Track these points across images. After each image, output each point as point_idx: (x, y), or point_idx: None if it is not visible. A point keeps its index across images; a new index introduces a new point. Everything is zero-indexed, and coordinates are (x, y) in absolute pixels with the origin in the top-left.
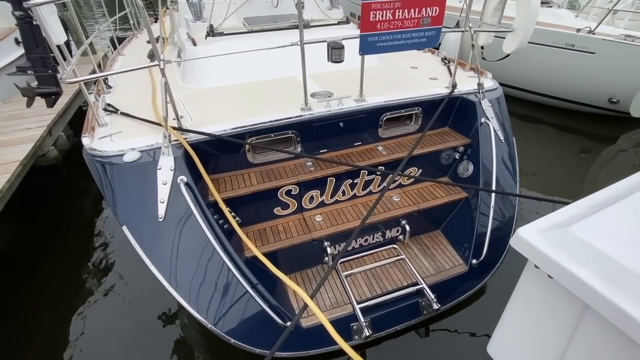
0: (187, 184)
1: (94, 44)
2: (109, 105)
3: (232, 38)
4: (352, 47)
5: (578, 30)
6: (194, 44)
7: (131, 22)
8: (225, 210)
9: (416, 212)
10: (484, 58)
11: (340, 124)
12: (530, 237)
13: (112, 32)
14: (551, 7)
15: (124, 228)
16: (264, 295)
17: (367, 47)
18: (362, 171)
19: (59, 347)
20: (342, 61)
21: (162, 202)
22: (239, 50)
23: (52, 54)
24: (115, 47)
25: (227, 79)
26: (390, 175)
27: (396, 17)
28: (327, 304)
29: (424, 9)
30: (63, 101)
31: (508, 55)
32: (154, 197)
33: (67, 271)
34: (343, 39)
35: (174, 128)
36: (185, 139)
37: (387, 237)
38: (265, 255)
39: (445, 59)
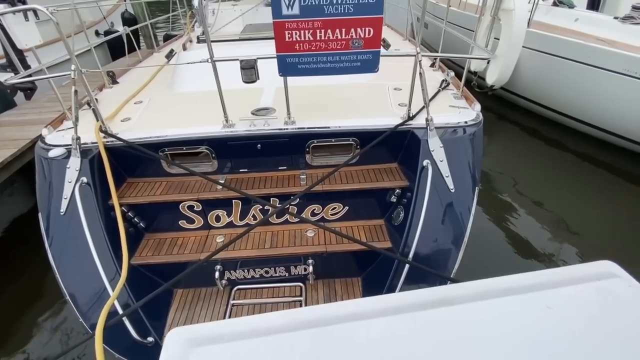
0: (87, 184)
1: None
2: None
3: (219, 45)
4: None
5: None
6: (184, 48)
7: (182, 22)
8: (118, 213)
9: (324, 253)
10: (474, 85)
11: (258, 145)
12: (170, 341)
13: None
14: (639, 24)
15: (39, 215)
16: (132, 304)
17: (286, 69)
18: (272, 198)
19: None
20: (254, 81)
21: (65, 199)
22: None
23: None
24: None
25: (200, 86)
26: (268, 207)
27: (317, 38)
28: None
29: (352, 30)
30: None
31: (493, 87)
32: (60, 193)
33: None
34: (258, 57)
35: (102, 131)
36: (110, 141)
37: (292, 273)
38: (160, 265)
39: (445, 80)
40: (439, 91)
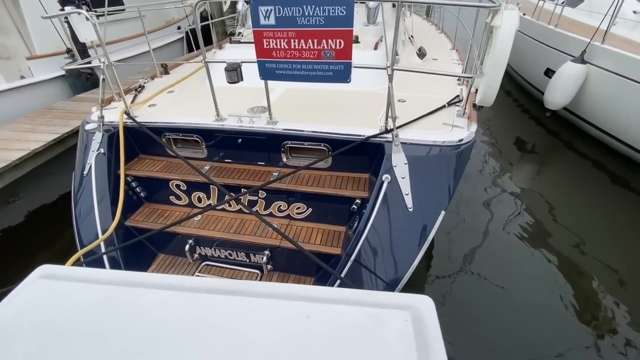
0: (103, 154)
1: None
2: (139, 87)
3: (242, 46)
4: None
5: None
6: (220, 48)
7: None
8: (122, 180)
9: (278, 247)
10: (475, 105)
11: (239, 140)
12: (36, 270)
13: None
14: None
15: (73, 174)
16: (115, 253)
17: (266, 73)
18: (242, 189)
19: None
20: (236, 82)
21: (88, 164)
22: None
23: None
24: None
25: (224, 82)
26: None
27: (292, 47)
28: None
29: (324, 41)
30: None
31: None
32: (87, 159)
33: None
34: (242, 62)
35: (126, 113)
36: (130, 122)
37: (252, 261)
38: (145, 230)
39: (458, 96)
40: (442, 107)
